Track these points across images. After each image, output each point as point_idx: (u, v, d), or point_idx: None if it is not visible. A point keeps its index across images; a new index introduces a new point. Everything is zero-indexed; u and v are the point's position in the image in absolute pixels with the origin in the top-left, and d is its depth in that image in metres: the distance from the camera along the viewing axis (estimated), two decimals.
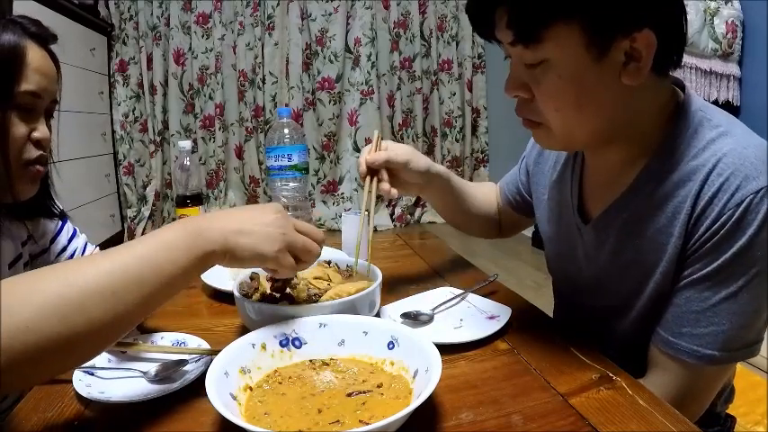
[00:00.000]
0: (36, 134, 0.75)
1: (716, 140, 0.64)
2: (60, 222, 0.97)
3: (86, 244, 1.02)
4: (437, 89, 4.06)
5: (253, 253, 0.58)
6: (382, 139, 0.87)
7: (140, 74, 3.62)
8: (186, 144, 1.29)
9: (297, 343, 0.64)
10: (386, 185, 0.83)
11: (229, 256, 0.57)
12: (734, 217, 0.60)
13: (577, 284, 0.84)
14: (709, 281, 0.63)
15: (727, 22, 2.08)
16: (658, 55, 0.61)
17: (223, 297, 0.91)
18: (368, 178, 0.83)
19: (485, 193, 1.07)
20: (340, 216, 3.30)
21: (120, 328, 0.50)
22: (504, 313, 0.78)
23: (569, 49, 0.60)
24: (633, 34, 0.59)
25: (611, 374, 0.62)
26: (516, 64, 0.65)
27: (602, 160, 0.76)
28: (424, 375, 0.55)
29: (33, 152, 0.75)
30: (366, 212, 0.83)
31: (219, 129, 3.76)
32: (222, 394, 0.50)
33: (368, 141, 3.84)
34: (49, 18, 2.61)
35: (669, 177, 0.66)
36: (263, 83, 3.74)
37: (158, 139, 3.70)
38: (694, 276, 0.64)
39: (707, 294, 0.63)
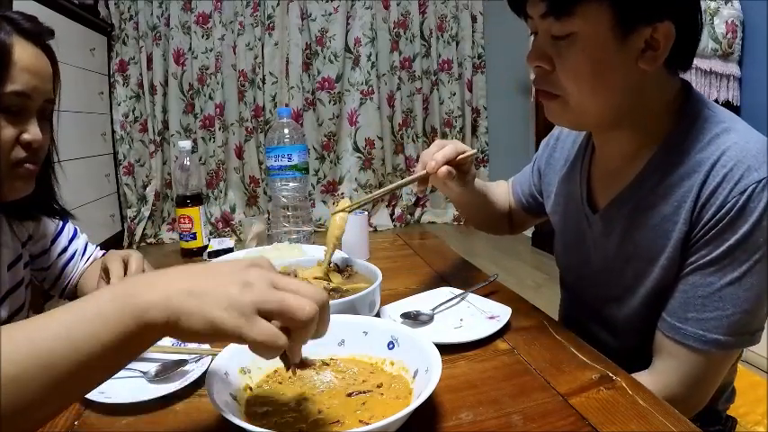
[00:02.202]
0: (26, 136, 0.71)
1: (720, 135, 0.67)
2: (61, 223, 0.97)
3: (87, 244, 1.02)
4: (437, 89, 4.06)
5: (204, 320, 0.40)
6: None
7: (140, 74, 3.62)
8: (186, 144, 1.29)
9: None
10: (422, 188, 0.85)
11: (173, 325, 0.41)
12: (737, 205, 0.62)
13: (585, 274, 0.86)
14: (713, 266, 0.65)
15: (727, 22, 2.08)
16: (672, 51, 0.65)
17: None
18: (424, 171, 0.81)
19: (501, 192, 1.10)
20: None
21: (30, 419, 0.40)
22: (504, 313, 0.78)
23: (597, 26, 0.63)
24: (656, 24, 0.63)
25: (611, 374, 0.62)
26: (542, 36, 0.68)
27: (610, 149, 0.78)
28: (424, 375, 0.55)
29: (22, 153, 0.72)
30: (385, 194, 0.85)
31: (219, 129, 3.76)
32: (222, 394, 0.50)
33: (368, 142, 3.86)
34: (49, 18, 2.61)
35: (675, 169, 0.69)
36: (263, 83, 3.74)
37: (158, 139, 3.70)
38: (700, 262, 0.67)
39: (712, 280, 0.66)
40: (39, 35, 0.73)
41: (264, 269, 0.44)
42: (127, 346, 0.41)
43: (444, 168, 0.79)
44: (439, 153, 0.80)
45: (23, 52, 0.69)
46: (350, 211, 0.82)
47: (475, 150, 0.86)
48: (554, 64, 0.67)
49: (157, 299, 0.41)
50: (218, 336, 0.41)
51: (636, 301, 0.75)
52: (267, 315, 0.42)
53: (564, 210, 0.89)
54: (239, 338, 0.41)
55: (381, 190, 0.88)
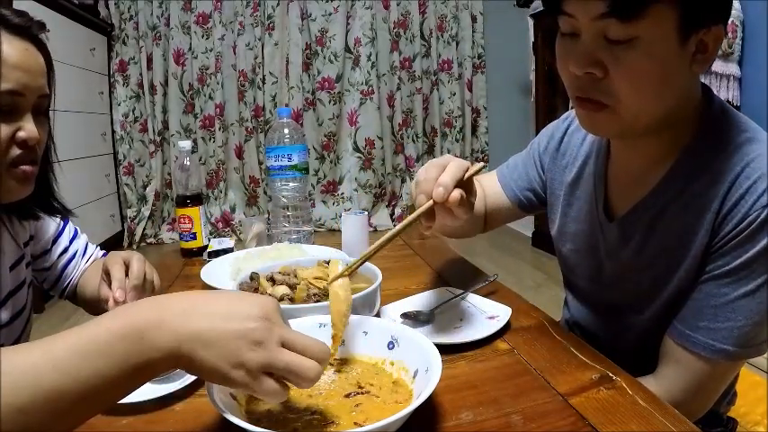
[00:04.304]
0: (21, 134, 0.69)
1: (743, 145, 0.66)
2: (62, 223, 0.97)
3: (87, 244, 1.02)
4: (437, 89, 4.06)
5: (213, 372, 0.44)
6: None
7: (140, 74, 3.63)
8: (186, 144, 1.29)
9: None
10: (433, 222, 0.67)
11: (182, 367, 0.45)
12: (759, 218, 0.62)
13: (596, 280, 0.84)
14: (729, 277, 0.65)
15: None
16: None
17: None
18: (430, 202, 0.64)
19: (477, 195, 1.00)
20: (340, 216, 3.30)
21: None
22: (504, 313, 0.78)
23: (664, 29, 0.59)
24: (711, 27, 0.61)
25: (611, 374, 0.62)
26: (593, 39, 0.62)
27: (631, 156, 0.76)
28: (423, 375, 0.55)
29: (18, 152, 0.70)
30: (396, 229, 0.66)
31: (219, 129, 3.76)
32: (222, 394, 0.50)
33: (368, 142, 3.86)
34: (50, 18, 2.61)
35: (697, 177, 0.68)
36: (263, 83, 3.74)
37: (158, 139, 3.70)
38: (716, 272, 0.66)
39: (726, 290, 0.65)
40: (28, 29, 0.70)
41: (274, 323, 0.46)
42: (134, 381, 0.44)
43: (457, 192, 0.63)
44: (445, 176, 0.64)
45: (12, 49, 0.67)
46: (348, 275, 0.65)
47: (482, 164, 0.70)
48: (607, 70, 0.62)
49: (167, 345, 0.43)
50: (225, 384, 0.46)
51: (652, 309, 0.75)
52: (271, 372, 0.45)
53: (577, 214, 0.86)
54: (246, 390, 0.46)
55: (380, 240, 0.65)
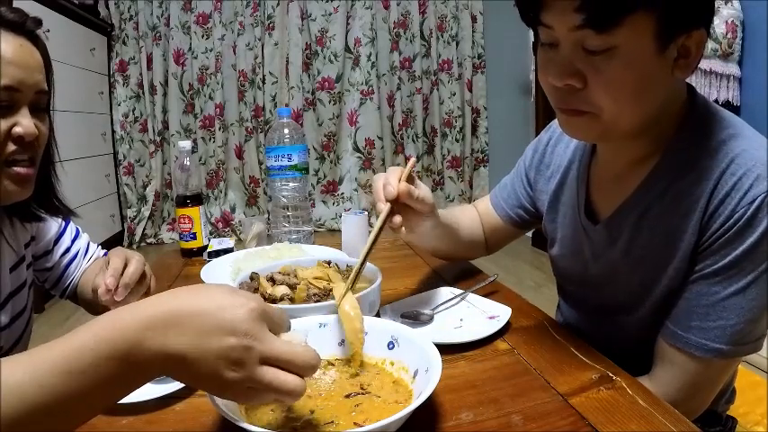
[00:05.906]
0: (17, 129, 0.68)
1: (726, 142, 0.66)
2: (63, 223, 0.97)
3: (89, 244, 1.02)
4: (437, 89, 4.06)
5: (199, 386, 0.47)
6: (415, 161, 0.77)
7: (140, 74, 3.63)
8: (186, 144, 1.29)
9: None
10: (399, 219, 0.74)
11: (172, 378, 0.46)
12: (746, 215, 0.62)
13: (585, 283, 0.84)
14: (719, 276, 0.65)
15: (727, 22, 2.08)
16: None
17: None
18: (388, 205, 0.73)
19: (470, 218, 1.02)
20: (340, 216, 3.31)
21: None
22: (504, 313, 0.78)
23: (641, 38, 0.59)
24: (692, 32, 0.61)
25: (611, 374, 0.62)
26: (571, 50, 0.62)
27: (616, 156, 0.76)
28: (424, 375, 0.55)
29: (14, 149, 0.69)
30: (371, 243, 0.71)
31: (219, 129, 3.76)
32: None
33: (368, 142, 3.86)
34: (50, 18, 2.61)
35: (682, 176, 0.67)
36: (263, 83, 3.74)
37: (158, 139, 3.71)
38: (705, 271, 0.66)
39: (717, 289, 0.65)
40: (22, 25, 0.70)
41: (255, 339, 0.44)
42: (120, 394, 0.44)
43: (403, 185, 0.72)
44: (387, 179, 0.74)
45: (6, 45, 0.67)
46: (353, 291, 0.68)
47: (413, 159, 0.78)
48: (586, 80, 0.62)
49: (150, 363, 0.43)
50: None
51: (643, 309, 0.74)
52: (253, 387, 0.44)
53: (562, 219, 0.87)
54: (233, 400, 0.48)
55: (363, 252, 0.71)
